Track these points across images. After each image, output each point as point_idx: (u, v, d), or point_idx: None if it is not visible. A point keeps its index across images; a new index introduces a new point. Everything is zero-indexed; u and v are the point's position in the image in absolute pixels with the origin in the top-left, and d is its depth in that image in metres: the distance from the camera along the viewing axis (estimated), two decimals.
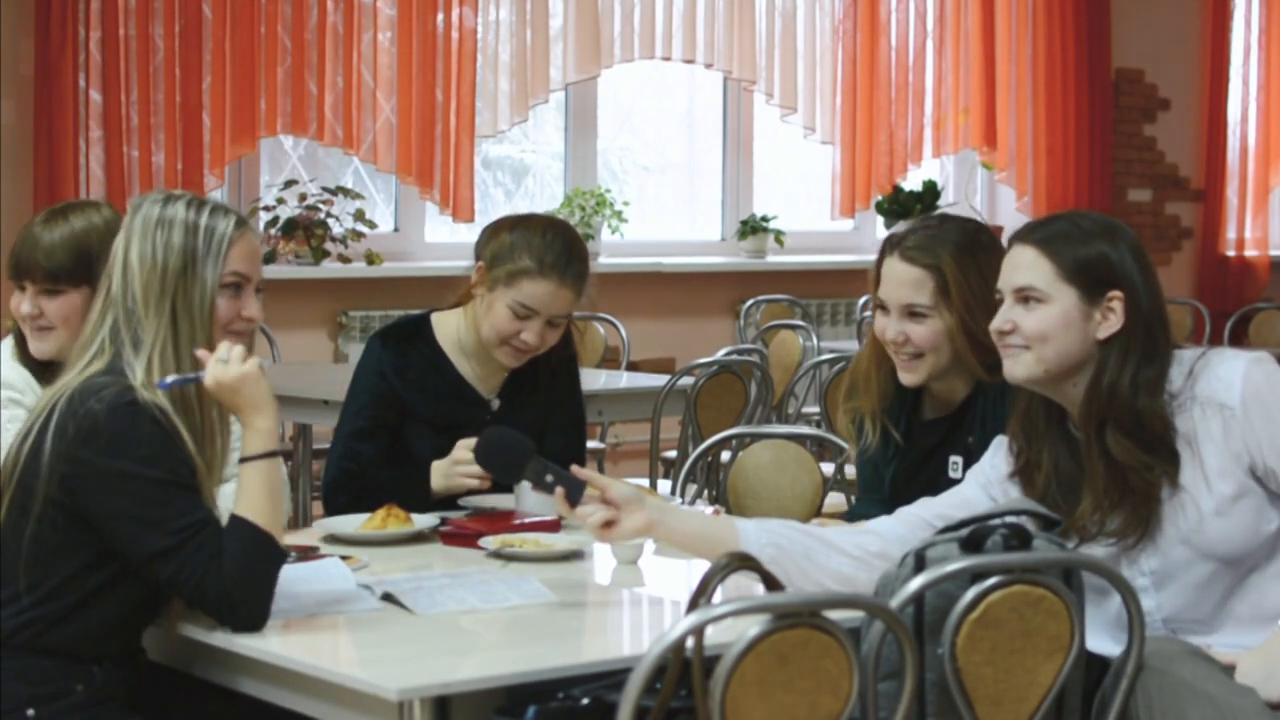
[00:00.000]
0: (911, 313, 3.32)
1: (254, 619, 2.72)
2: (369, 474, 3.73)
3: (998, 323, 2.93)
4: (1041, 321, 2.88)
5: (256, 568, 2.73)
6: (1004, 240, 3.19)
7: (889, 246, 3.37)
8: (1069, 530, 2.86)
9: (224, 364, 2.78)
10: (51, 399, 2.77)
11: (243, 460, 2.81)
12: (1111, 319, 2.87)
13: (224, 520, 2.77)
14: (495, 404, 3.82)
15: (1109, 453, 2.86)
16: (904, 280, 3.33)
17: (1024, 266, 2.91)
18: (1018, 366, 2.91)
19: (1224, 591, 2.87)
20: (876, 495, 3.46)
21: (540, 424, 3.80)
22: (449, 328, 3.83)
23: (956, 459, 3.38)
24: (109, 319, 2.82)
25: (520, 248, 3.68)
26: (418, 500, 3.62)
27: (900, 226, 3.42)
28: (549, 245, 3.68)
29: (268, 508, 2.77)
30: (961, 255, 3.30)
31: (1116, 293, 2.87)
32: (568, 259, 3.69)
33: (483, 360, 3.80)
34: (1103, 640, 2.83)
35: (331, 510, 3.69)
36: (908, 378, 3.36)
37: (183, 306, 2.79)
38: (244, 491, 2.78)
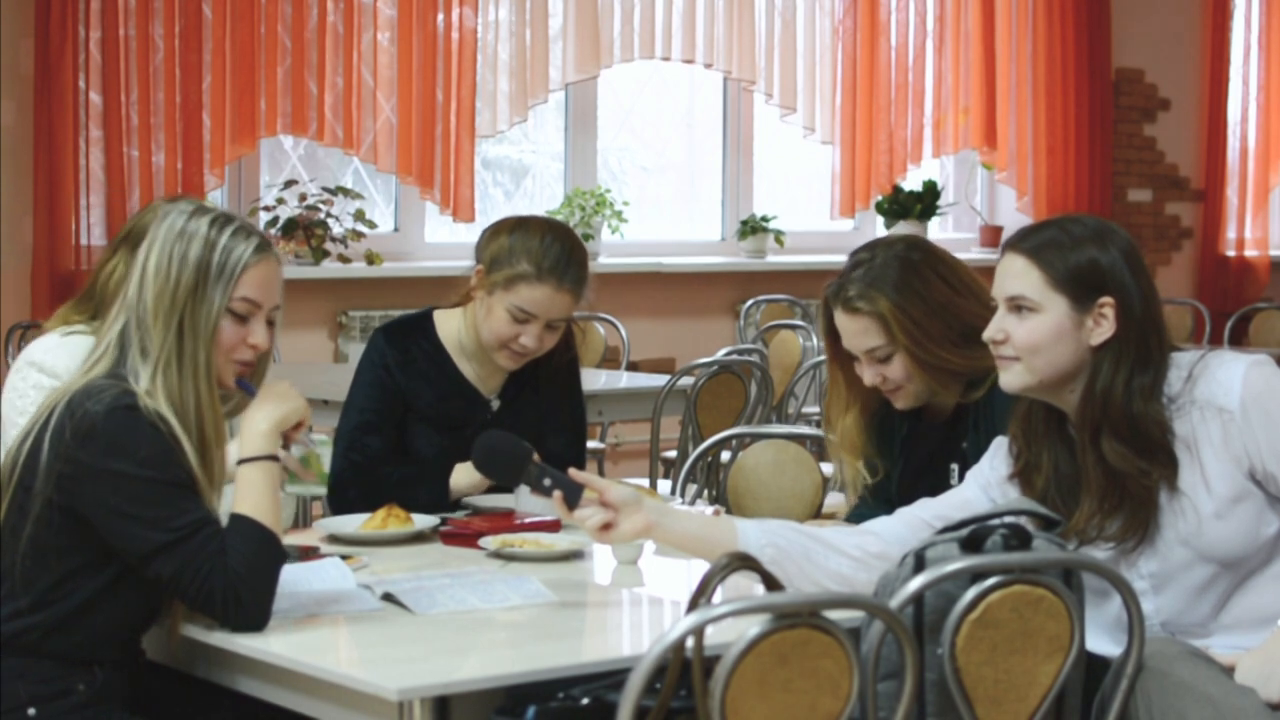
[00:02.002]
0: (875, 356, 3.35)
1: (257, 618, 2.72)
2: (379, 470, 3.72)
3: (990, 332, 2.93)
4: (1033, 332, 2.87)
5: (261, 565, 2.73)
6: (1001, 243, 3.20)
7: (832, 299, 3.39)
8: (1068, 534, 2.85)
9: (287, 384, 2.89)
10: (53, 401, 2.78)
11: (242, 461, 2.81)
12: (1104, 325, 2.86)
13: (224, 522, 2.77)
14: (495, 404, 3.82)
15: (1105, 459, 2.85)
16: (855, 331, 3.36)
17: (1014, 275, 2.90)
18: (1011, 377, 2.91)
19: (1222, 595, 2.87)
20: (882, 495, 3.47)
21: (540, 425, 3.80)
22: (450, 327, 3.84)
23: (954, 466, 3.40)
24: (120, 320, 2.82)
25: (519, 252, 3.68)
26: (432, 498, 3.62)
27: (839, 276, 3.41)
28: (547, 250, 3.68)
29: (269, 507, 2.78)
30: (898, 291, 3.31)
31: (1108, 299, 2.86)
32: (566, 263, 3.68)
33: (483, 361, 3.80)
34: (1103, 642, 2.83)
35: (340, 505, 3.67)
36: (900, 404, 3.41)
37: (189, 324, 2.79)
38: (244, 491, 2.78)
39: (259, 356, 2.89)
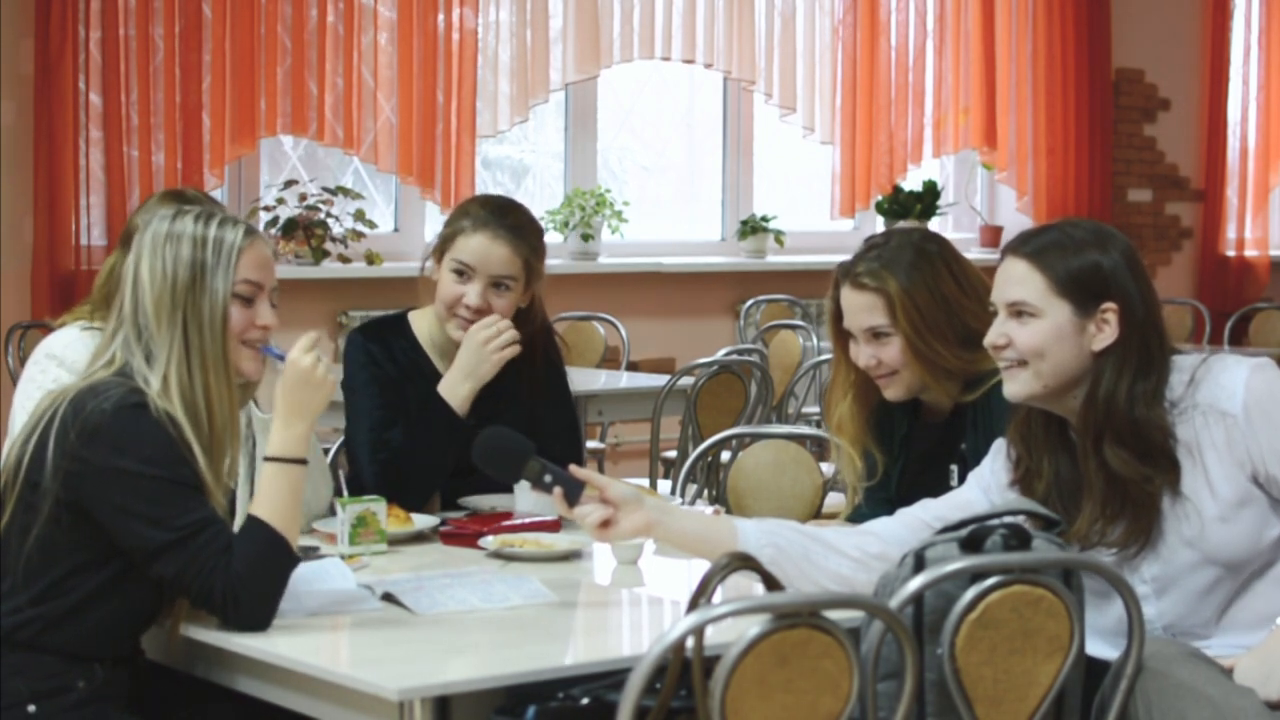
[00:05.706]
0: (875, 334, 3.34)
1: (258, 620, 2.72)
2: (399, 462, 3.68)
3: (992, 337, 2.92)
4: (1035, 336, 2.86)
5: (266, 569, 2.73)
6: (1001, 243, 3.19)
7: (841, 276, 3.39)
8: (1069, 539, 2.85)
9: (310, 357, 2.84)
10: (56, 400, 2.78)
11: (268, 459, 2.81)
12: (1106, 330, 2.85)
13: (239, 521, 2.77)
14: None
15: (1107, 465, 2.85)
16: (860, 307, 3.35)
17: (1015, 280, 2.89)
18: (1017, 385, 2.89)
19: (1224, 598, 2.87)
20: (881, 495, 3.47)
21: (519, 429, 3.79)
22: (425, 324, 3.87)
23: (953, 466, 3.39)
24: (120, 335, 2.83)
25: (459, 214, 3.80)
26: (448, 432, 3.63)
27: (853, 256, 3.42)
28: (483, 204, 3.79)
29: (286, 511, 2.78)
30: (908, 276, 3.32)
31: (1110, 304, 2.85)
32: (501, 214, 3.75)
33: (454, 357, 3.80)
34: (1104, 647, 2.82)
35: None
36: (890, 394, 3.40)
37: (193, 318, 2.80)
38: (265, 492, 2.79)
39: (265, 339, 2.90)
